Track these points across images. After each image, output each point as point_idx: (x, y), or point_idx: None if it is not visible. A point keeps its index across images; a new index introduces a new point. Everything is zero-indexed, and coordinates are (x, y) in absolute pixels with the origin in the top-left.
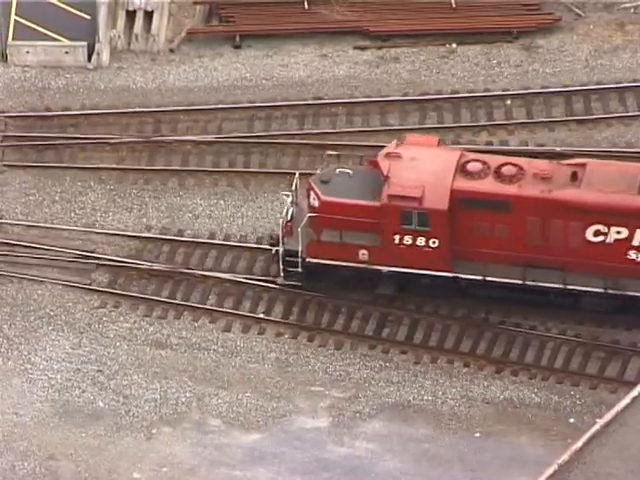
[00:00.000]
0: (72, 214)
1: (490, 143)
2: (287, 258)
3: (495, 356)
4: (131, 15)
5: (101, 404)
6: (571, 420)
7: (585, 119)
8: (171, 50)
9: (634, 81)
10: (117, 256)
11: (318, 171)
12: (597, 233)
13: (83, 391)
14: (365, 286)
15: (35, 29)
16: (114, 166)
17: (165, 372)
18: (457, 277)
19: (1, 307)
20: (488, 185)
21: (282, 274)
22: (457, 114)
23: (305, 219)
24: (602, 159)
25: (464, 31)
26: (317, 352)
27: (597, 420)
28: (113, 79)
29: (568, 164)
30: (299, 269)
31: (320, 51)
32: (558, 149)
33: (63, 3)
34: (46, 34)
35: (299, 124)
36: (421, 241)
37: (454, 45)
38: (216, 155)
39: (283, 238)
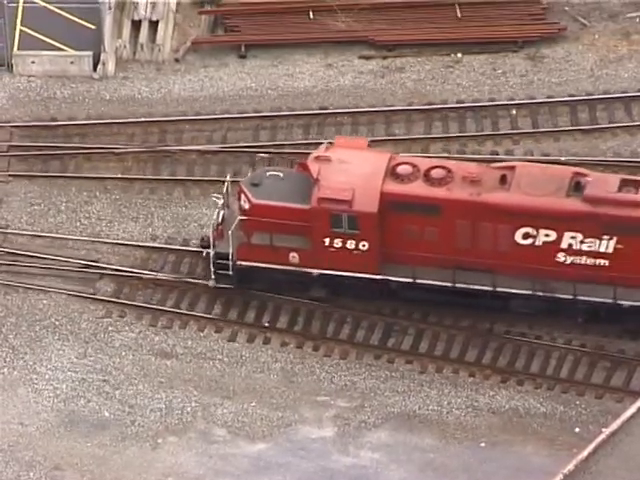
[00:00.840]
0: (77, 224)
1: (495, 153)
2: (218, 261)
3: (501, 366)
4: (136, 25)
5: (106, 414)
6: (577, 430)
7: (590, 129)
8: (176, 60)
9: (639, 91)
10: (122, 266)
11: (249, 174)
12: (526, 236)
13: (88, 401)
14: (297, 289)
15: (41, 39)
16: (119, 176)
17: (170, 382)
18: (387, 280)
19: (6, 317)
20: (417, 188)
21: (213, 277)
22: (462, 124)
23: (236, 222)
24: (608, 168)
25: (469, 41)
26: (322, 362)
27: (603, 430)
28: (118, 89)
29: (497, 167)
30: (230, 272)
31: (325, 61)
32: (563, 159)
33: (68, 13)
34: (51, 44)
35: (304, 134)
36: (351, 244)
37: (459, 55)
38: (221, 165)
39: (214, 241)
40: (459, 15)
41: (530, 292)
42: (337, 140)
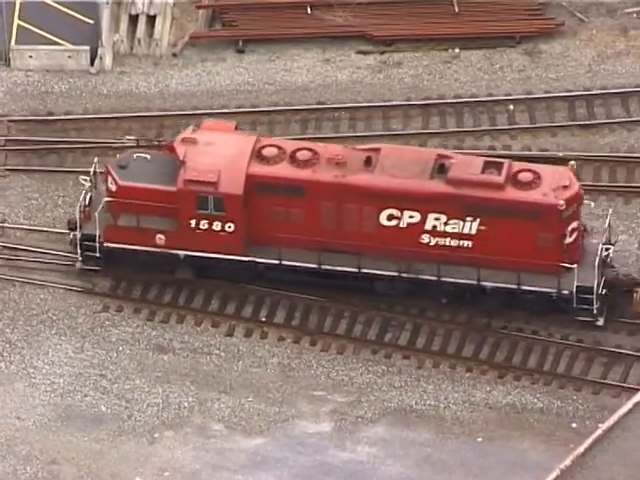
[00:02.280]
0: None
1: (493, 148)
2: (85, 243)
3: (498, 361)
4: (134, 19)
5: (103, 408)
6: (573, 425)
7: (588, 124)
8: (174, 54)
9: (637, 86)
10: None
11: (117, 156)
12: (390, 217)
13: (85, 395)
14: (163, 270)
15: (38, 33)
16: None
17: (167, 376)
18: (253, 261)
19: (4, 311)
20: (282, 170)
21: (80, 259)
22: (460, 119)
23: (102, 204)
24: (606, 164)
25: (467, 36)
26: (319, 357)
27: (599, 425)
28: (116, 83)
29: (362, 149)
30: (97, 254)
31: (323, 56)
32: (561, 154)
33: (66, 7)
34: (49, 38)
35: (302, 129)
36: (217, 226)
37: (457, 50)
38: None
39: (81, 223)
40: (456, 10)
41: (395, 273)
42: (204, 123)
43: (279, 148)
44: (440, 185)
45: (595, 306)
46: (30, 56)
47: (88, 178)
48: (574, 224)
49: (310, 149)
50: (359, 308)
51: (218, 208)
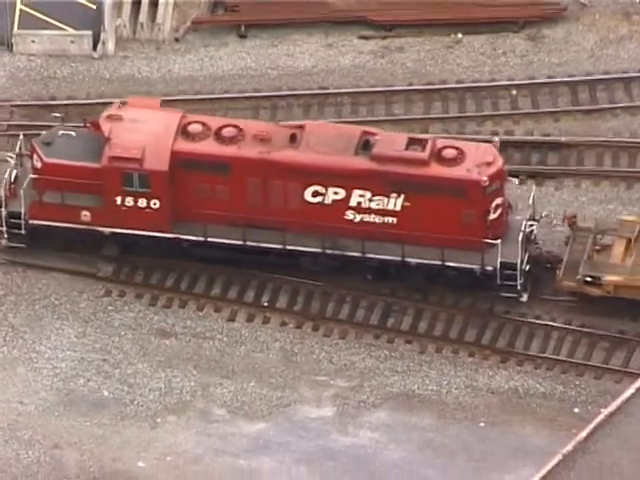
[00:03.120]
0: None
1: (495, 133)
2: (11, 220)
3: (500, 346)
4: (136, 4)
5: (106, 393)
6: (576, 410)
7: (591, 109)
8: (176, 39)
9: (639, 71)
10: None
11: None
12: (315, 194)
13: (88, 380)
14: (90, 247)
15: (41, 18)
16: None
17: (170, 361)
18: (179, 238)
19: (6, 296)
20: (208, 146)
21: (6, 236)
22: (462, 104)
23: (27, 180)
24: (609, 149)
25: (469, 21)
26: (322, 341)
27: (602, 410)
28: (118, 68)
29: (288, 126)
30: (22, 231)
31: (325, 41)
32: (563, 139)
33: None
34: (52, 23)
35: (304, 113)
36: (142, 202)
37: (459, 35)
38: None
39: (7, 200)
40: None
41: (319, 250)
42: (130, 100)
43: (204, 125)
44: (364, 162)
45: (519, 282)
46: (33, 41)
47: (14, 155)
48: (498, 200)
49: (235, 126)
50: (361, 293)
51: (143, 185)
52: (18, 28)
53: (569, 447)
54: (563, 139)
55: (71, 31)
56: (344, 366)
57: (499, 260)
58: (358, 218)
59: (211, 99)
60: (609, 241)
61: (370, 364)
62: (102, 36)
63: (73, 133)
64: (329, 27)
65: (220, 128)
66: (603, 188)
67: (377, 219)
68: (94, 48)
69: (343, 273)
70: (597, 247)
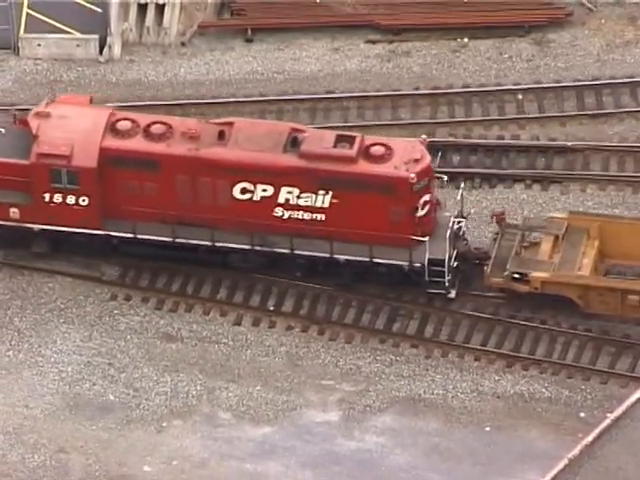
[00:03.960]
0: None
1: (502, 137)
2: None
3: (506, 350)
4: (143, 8)
5: (111, 397)
6: (582, 415)
7: (597, 113)
8: (183, 43)
9: None
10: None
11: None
12: (244, 191)
13: (93, 384)
14: (18, 244)
15: (47, 22)
16: None
17: (176, 365)
18: (108, 235)
19: (12, 300)
20: (136, 143)
21: None
22: (468, 108)
23: None
24: (614, 154)
25: (476, 25)
26: (328, 346)
27: (608, 415)
28: (124, 72)
29: (216, 123)
30: None
31: (331, 45)
32: (569, 144)
33: None
34: (58, 27)
35: (310, 118)
36: (71, 199)
37: (466, 39)
38: None
39: None
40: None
41: (248, 247)
42: (59, 97)
43: (133, 122)
44: (293, 159)
45: (447, 279)
46: (39, 45)
47: None
48: (426, 197)
49: (164, 123)
50: (367, 297)
51: (72, 181)
52: (24, 32)
53: (575, 451)
54: (569, 144)
55: (77, 35)
56: (350, 370)
57: (427, 257)
58: (286, 215)
59: (217, 103)
60: (537, 238)
61: (376, 368)
62: (108, 40)
63: (2, 130)
64: (335, 31)
65: (149, 125)
66: (609, 193)
67: (305, 216)
68: (100, 52)
69: (275, 270)
70: (525, 244)
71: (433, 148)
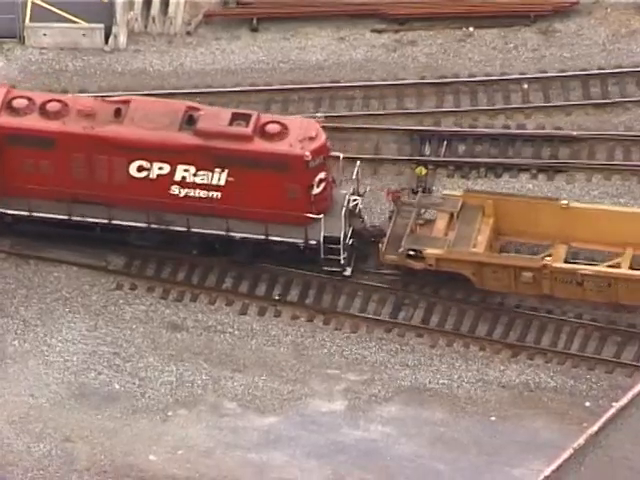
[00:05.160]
0: None
1: (507, 127)
2: None
3: (511, 340)
4: None
5: (117, 386)
6: (587, 404)
7: (602, 103)
8: (188, 33)
9: None
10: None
11: None
12: (140, 169)
13: (99, 373)
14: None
15: (52, 11)
16: None
17: (181, 355)
18: (3, 213)
19: (18, 289)
20: (32, 121)
21: None
22: (474, 97)
23: None
24: (620, 143)
25: (481, 15)
26: (333, 335)
27: (613, 404)
28: (130, 61)
29: (112, 101)
30: None
31: (337, 34)
32: (575, 133)
33: None
34: (63, 16)
35: (316, 107)
36: None
37: (471, 29)
38: None
39: None
40: None
41: (145, 225)
42: None
43: (29, 99)
44: (188, 137)
45: (342, 256)
46: (44, 34)
47: None
48: (321, 175)
49: (60, 101)
50: (372, 287)
51: None
52: (30, 21)
53: (580, 441)
54: (575, 133)
55: (83, 24)
56: (355, 360)
57: (322, 234)
58: (183, 193)
59: (223, 92)
60: (433, 216)
61: (381, 358)
62: (114, 29)
63: None
64: (341, 21)
65: (44, 103)
66: (614, 182)
67: (202, 194)
68: (106, 41)
69: (172, 248)
70: (420, 221)
71: (439, 137)
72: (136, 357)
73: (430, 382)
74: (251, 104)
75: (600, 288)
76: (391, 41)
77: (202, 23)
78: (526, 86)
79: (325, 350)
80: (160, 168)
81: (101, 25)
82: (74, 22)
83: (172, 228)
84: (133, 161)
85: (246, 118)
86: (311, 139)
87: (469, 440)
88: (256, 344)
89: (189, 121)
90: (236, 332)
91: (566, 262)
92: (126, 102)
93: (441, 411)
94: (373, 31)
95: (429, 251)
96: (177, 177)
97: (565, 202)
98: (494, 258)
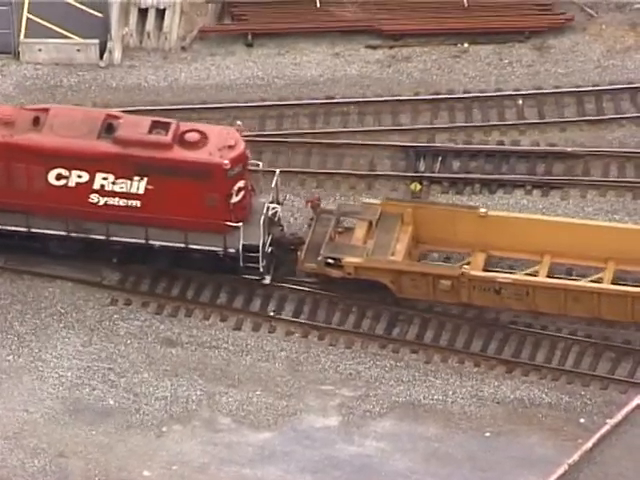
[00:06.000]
0: None
1: (501, 143)
2: None
3: (506, 356)
4: (143, 13)
5: (111, 402)
6: (581, 420)
7: (597, 119)
8: (183, 48)
9: None
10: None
11: None
12: (59, 177)
13: (93, 389)
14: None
15: (47, 27)
16: None
17: (175, 370)
18: None
19: (12, 304)
20: None
21: None
22: (469, 114)
23: None
24: (615, 159)
25: (476, 31)
26: (327, 351)
27: (607, 420)
28: (125, 77)
29: (31, 109)
30: None
31: (332, 50)
32: (569, 149)
33: (75, 1)
34: (58, 32)
35: (310, 123)
36: None
37: (466, 45)
38: None
39: None
40: (466, 5)
41: (65, 233)
42: None
43: None
44: (107, 145)
45: (261, 264)
46: (39, 49)
47: None
48: (240, 183)
49: None
50: (367, 303)
51: None
52: (25, 36)
53: (575, 457)
54: (569, 149)
55: (78, 40)
56: (350, 375)
57: (241, 243)
58: (102, 201)
59: (218, 108)
60: (352, 224)
61: (376, 373)
62: (109, 45)
63: None
64: (336, 36)
65: None
66: (609, 198)
67: (121, 202)
68: (101, 57)
69: (91, 257)
70: (339, 229)
71: (434, 153)
72: (130, 372)
73: (424, 398)
74: (246, 119)
75: (518, 296)
76: (386, 57)
77: (197, 38)
78: (521, 102)
79: (320, 366)
80: (79, 176)
81: (96, 40)
82: (69, 38)
83: (92, 236)
84: (52, 169)
85: (165, 126)
86: (230, 147)
87: (463, 456)
88: (251, 360)
89: (108, 129)
90: (231, 347)
91: (485, 270)
92: (45, 110)
93: (435, 427)
94: (368, 47)
95: (348, 259)
96: (96, 185)
97: (483, 210)
98: (412, 266)
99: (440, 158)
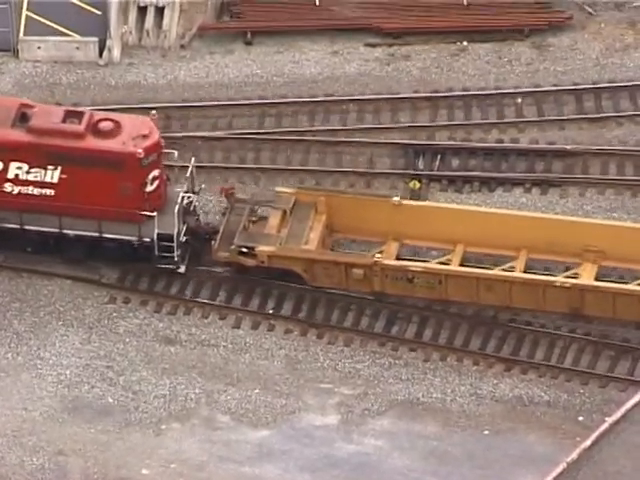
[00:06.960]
0: None
1: (501, 141)
2: None
3: (504, 354)
4: (142, 11)
5: (110, 400)
6: (580, 418)
7: (596, 117)
8: (182, 46)
9: None
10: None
11: None
12: None
13: (92, 387)
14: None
15: (46, 24)
16: None
17: (174, 368)
18: None
19: (11, 302)
20: None
21: None
22: (468, 112)
23: None
24: (613, 157)
25: (475, 29)
26: (326, 349)
27: (606, 419)
28: (124, 75)
29: None
30: None
31: (331, 48)
32: (568, 147)
33: None
34: (57, 29)
35: (309, 121)
36: None
37: (465, 43)
38: (226, 151)
39: None
40: (465, 3)
41: None
42: None
43: None
44: (21, 134)
45: (176, 254)
46: (38, 47)
47: None
48: (155, 172)
49: None
50: (366, 301)
51: None
52: (24, 34)
53: (573, 455)
54: (568, 147)
55: (77, 37)
56: (348, 374)
57: (156, 232)
58: (16, 190)
59: (217, 106)
60: (266, 213)
61: (374, 372)
62: (108, 43)
63: None
64: (335, 34)
65: None
66: (608, 197)
67: (35, 191)
68: (100, 55)
69: (4, 246)
70: (253, 218)
71: (433, 151)
72: (129, 370)
73: (423, 396)
74: (245, 117)
75: (430, 285)
76: (385, 55)
77: (196, 37)
78: (520, 100)
79: (318, 364)
80: None
81: (95, 38)
82: (68, 35)
83: (5, 225)
84: None
85: (79, 116)
86: (144, 137)
87: (462, 454)
88: (249, 358)
89: (22, 118)
90: (229, 346)
91: (398, 259)
92: None
93: (434, 425)
94: (367, 45)
95: (261, 248)
96: (10, 174)
97: (397, 199)
98: (325, 255)
99: (439, 156)
